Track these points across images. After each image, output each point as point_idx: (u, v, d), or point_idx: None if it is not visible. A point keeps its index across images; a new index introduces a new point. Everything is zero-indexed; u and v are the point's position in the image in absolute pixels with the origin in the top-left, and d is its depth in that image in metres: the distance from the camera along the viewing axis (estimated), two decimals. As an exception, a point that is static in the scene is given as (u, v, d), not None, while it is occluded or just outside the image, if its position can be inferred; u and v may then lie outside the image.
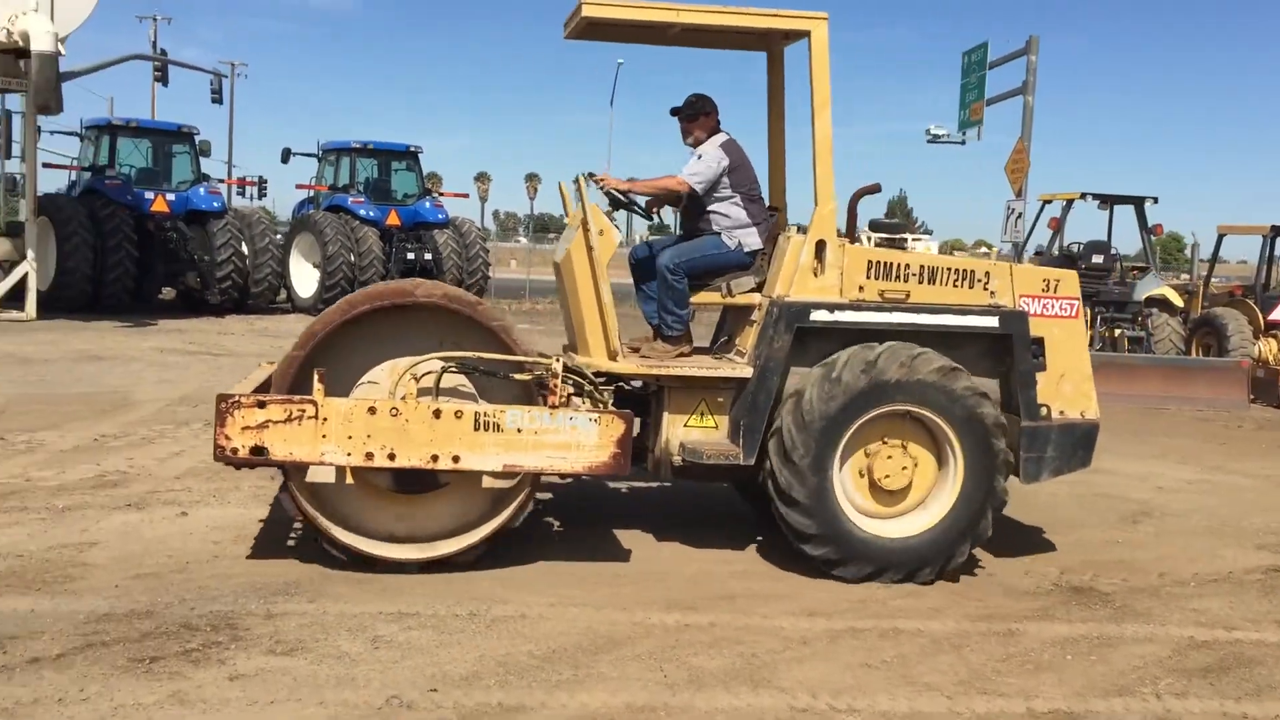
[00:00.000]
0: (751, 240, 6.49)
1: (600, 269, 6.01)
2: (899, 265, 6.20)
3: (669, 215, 7.33)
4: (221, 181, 25.43)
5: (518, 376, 5.69)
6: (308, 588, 5.32)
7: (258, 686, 4.20)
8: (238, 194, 31.25)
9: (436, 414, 5.36)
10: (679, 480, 6.41)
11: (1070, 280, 6.53)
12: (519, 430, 5.40)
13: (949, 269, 6.28)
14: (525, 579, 5.66)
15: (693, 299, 6.44)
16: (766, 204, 6.78)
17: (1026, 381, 6.18)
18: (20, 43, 15.99)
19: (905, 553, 5.90)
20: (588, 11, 6.00)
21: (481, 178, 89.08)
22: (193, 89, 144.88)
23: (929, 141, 27.62)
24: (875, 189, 6.79)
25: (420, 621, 4.97)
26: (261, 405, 5.26)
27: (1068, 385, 6.40)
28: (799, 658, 4.84)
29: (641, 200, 6.72)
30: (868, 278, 6.12)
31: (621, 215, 6.57)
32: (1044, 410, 6.24)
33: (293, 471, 5.47)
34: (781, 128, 7.03)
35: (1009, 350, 6.18)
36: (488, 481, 5.62)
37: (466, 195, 38.44)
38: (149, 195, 19.76)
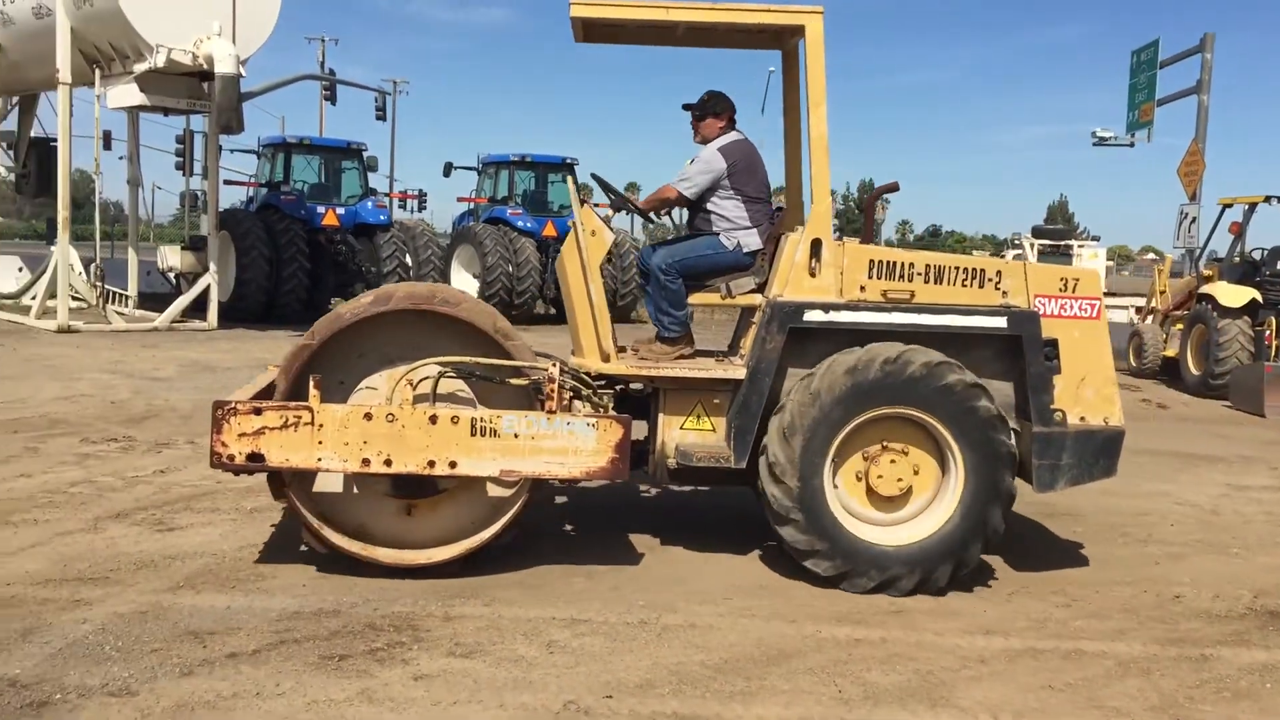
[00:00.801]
0: (751, 241, 6.35)
1: (592, 269, 5.93)
2: (903, 264, 5.99)
3: (679, 216, 7.20)
4: (385, 195, 26.38)
5: (515, 381, 5.61)
6: (481, 591, 5.45)
7: (440, 687, 4.32)
8: (399, 207, 32.42)
9: (433, 419, 5.32)
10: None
11: (1090, 280, 6.20)
12: (516, 435, 5.34)
13: (957, 268, 6.05)
14: (691, 588, 5.67)
15: (691, 300, 6.34)
16: (776, 204, 6.62)
17: (1039, 385, 5.90)
18: (204, 65, 16.78)
19: (884, 559, 5.67)
20: (575, 12, 5.96)
21: (630, 188, 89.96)
22: (357, 106, 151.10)
23: (1095, 144, 26.75)
24: (894, 187, 6.60)
25: (592, 628, 5.03)
26: (258, 412, 5.24)
27: (1089, 390, 6.06)
28: (977, 677, 4.71)
29: (646, 208, 6.61)
30: (869, 277, 5.94)
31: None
32: (1059, 415, 5.94)
33: (292, 477, 5.48)
34: (798, 127, 6.85)
35: (1020, 352, 5.91)
36: (491, 489, 5.60)
37: (620, 207, 38.60)
38: (320, 209, 20.66)
